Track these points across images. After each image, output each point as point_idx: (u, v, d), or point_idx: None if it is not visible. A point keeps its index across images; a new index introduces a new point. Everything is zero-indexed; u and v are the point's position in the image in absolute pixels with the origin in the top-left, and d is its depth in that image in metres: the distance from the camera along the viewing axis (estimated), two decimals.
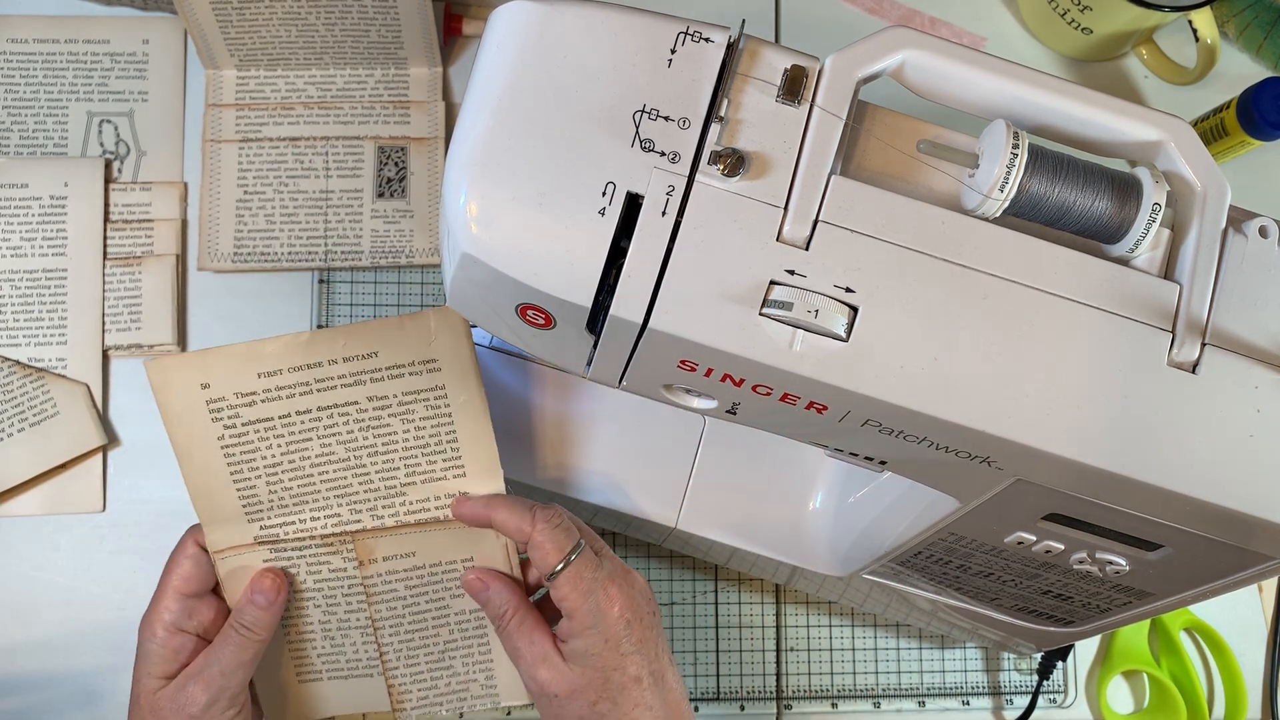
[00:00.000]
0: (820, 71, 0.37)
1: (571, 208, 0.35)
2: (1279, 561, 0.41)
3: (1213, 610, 0.69)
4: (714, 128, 0.36)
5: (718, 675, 0.66)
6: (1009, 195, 0.36)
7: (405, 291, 0.66)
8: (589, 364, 0.40)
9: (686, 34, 0.37)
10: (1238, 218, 0.39)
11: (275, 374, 0.48)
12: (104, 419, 0.63)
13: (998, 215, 0.37)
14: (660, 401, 0.43)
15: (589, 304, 0.36)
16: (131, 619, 0.51)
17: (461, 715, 0.56)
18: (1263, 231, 0.38)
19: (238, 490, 0.50)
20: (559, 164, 0.35)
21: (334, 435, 0.50)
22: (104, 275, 0.64)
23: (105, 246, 0.64)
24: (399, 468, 0.51)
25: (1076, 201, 0.37)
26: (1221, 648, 0.68)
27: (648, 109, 0.36)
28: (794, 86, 0.36)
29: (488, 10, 0.69)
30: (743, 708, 0.66)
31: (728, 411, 0.41)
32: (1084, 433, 0.36)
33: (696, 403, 0.42)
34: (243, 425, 0.49)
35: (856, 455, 0.43)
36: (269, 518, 0.51)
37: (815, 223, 0.36)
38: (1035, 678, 0.67)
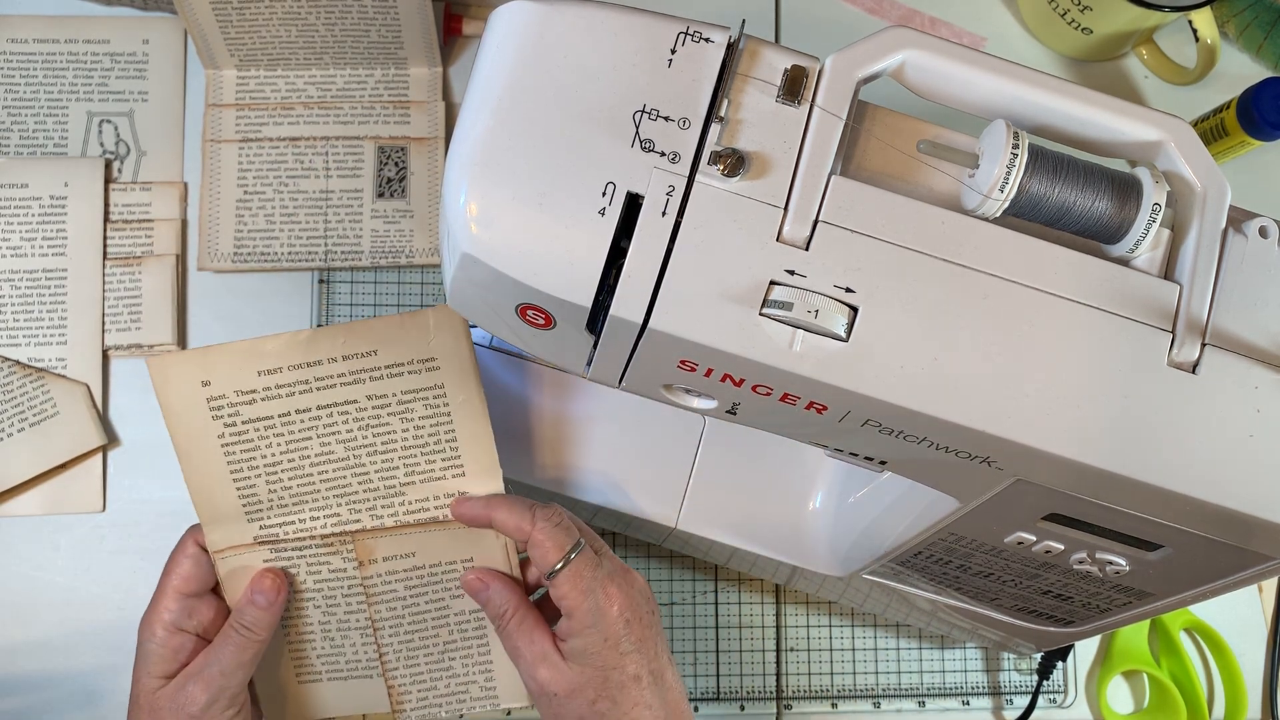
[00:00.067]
0: (820, 71, 0.37)
1: (571, 208, 0.35)
2: (1279, 561, 0.41)
3: (1213, 610, 0.69)
4: (714, 128, 0.36)
5: (718, 675, 0.66)
6: (1009, 195, 0.36)
7: (405, 291, 0.66)
8: (589, 364, 0.40)
9: (686, 34, 0.37)
10: (1238, 218, 0.39)
11: (275, 372, 0.48)
12: (104, 419, 0.63)
13: (998, 215, 0.37)
14: (660, 401, 0.43)
15: (589, 304, 0.36)
16: (131, 619, 0.51)
17: (462, 716, 0.56)
18: (1263, 231, 0.38)
19: (237, 489, 0.50)
20: (559, 164, 0.35)
21: (333, 434, 0.50)
22: (104, 275, 0.64)
23: (105, 246, 0.64)
24: (398, 467, 0.51)
25: (1076, 201, 0.37)
26: (1221, 648, 0.68)
27: (648, 109, 0.36)
28: (794, 86, 0.36)
29: (488, 10, 0.69)
30: (743, 708, 0.66)
31: (728, 411, 0.41)
32: (1084, 433, 0.36)
33: (696, 403, 0.42)
34: (243, 424, 0.49)
35: (856, 455, 0.43)
36: (269, 517, 0.51)
37: (815, 223, 0.36)
38: (1035, 678, 0.67)
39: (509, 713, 0.63)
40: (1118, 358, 0.37)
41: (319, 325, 0.65)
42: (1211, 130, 0.69)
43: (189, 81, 0.67)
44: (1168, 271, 0.38)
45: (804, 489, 0.59)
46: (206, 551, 0.51)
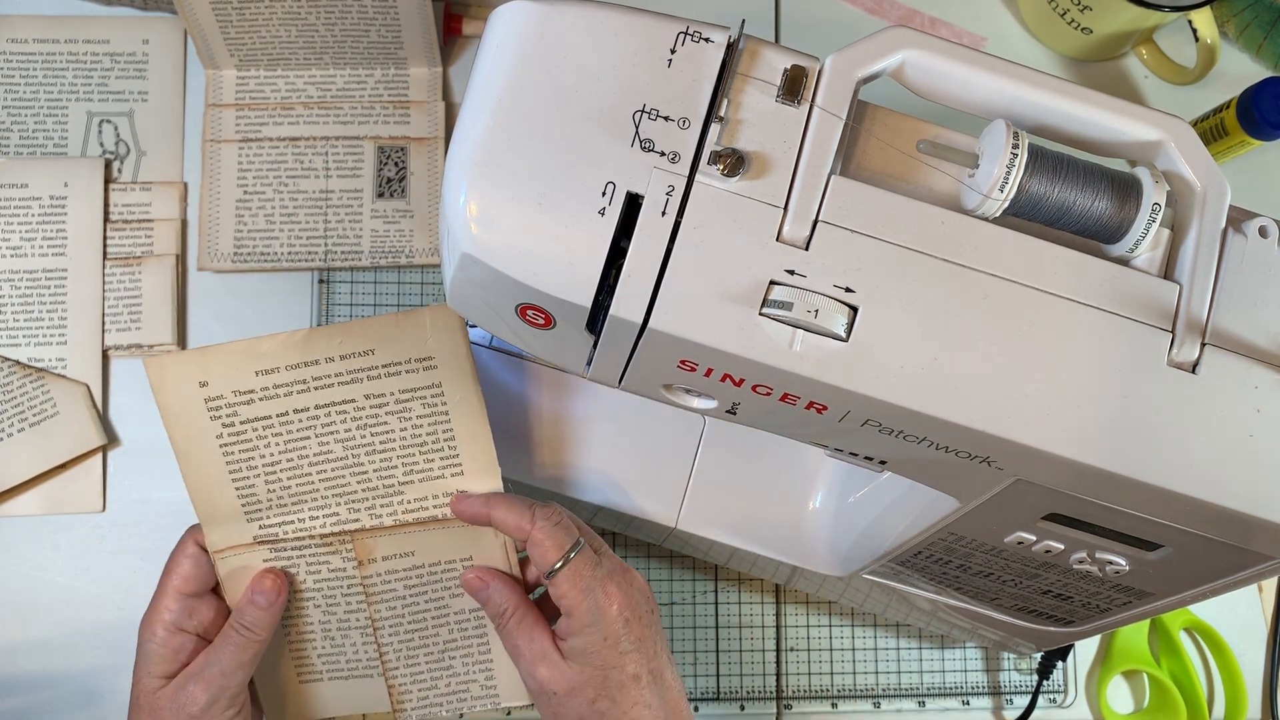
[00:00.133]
0: (820, 71, 0.37)
1: (571, 208, 0.35)
2: (1279, 561, 0.41)
3: (1213, 610, 0.69)
4: (714, 128, 0.36)
5: (718, 675, 0.66)
6: (1009, 195, 0.36)
7: (405, 291, 0.66)
8: (589, 364, 0.40)
9: (686, 34, 0.37)
10: (1238, 218, 0.39)
11: (273, 372, 0.48)
12: (104, 419, 0.63)
13: (998, 215, 0.37)
14: (660, 401, 0.43)
15: (589, 304, 0.36)
16: (131, 619, 0.51)
17: (462, 716, 0.56)
18: (1263, 231, 0.38)
19: (236, 489, 0.50)
20: (559, 164, 0.35)
21: (332, 434, 0.50)
22: (104, 275, 0.64)
23: (105, 246, 0.64)
24: (396, 466, 0.51)
25: (1076, 201, 0.37)
26: (1221, 648, 0.68)
27: (648, 109, 0.36)
28: (794, 86, 0.36)
29: (488, 10, 0.69)
30: (743, 708, 0.66)
31: (728, 411, 0.41)
32: (1084, 433, 0.36)
33: (696, 403, 0.42)
34: (241, 424, 0.49)
35: (856, 455, 0.43)
36: (268, 517, 0.51)
37: (815, 223, 0.36)
38: (1035, 678, 0.67)
39: (509, 712, 0.63)
40: (1118, 358, 0.37)
41: (318, 325, 0.65)
42: (1211, 130, 0.69)
43: (189, 81, 0.67)
44: (1168, 271, 0.38)
45: (804, 489, 0.59)
46: (206, 552, 0.51)
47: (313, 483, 0.51)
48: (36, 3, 0.67)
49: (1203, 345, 0.37)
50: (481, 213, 0.35)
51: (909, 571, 0.54)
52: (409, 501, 0.51)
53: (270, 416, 0.49)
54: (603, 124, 0.36)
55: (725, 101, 0.36)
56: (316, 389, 0.49)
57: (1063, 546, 0.45)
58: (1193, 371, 0.37)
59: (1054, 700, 0.68)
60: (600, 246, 0.35)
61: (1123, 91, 0.74)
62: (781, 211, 0.36)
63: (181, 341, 0.65)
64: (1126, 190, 0.37)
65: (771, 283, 0.35)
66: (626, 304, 0.35)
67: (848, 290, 0.36)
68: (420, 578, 0.53)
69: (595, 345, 0.39)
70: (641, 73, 0.36)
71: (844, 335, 0.36)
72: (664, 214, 0.35)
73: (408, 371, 0.49)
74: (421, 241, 0.66)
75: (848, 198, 0.36)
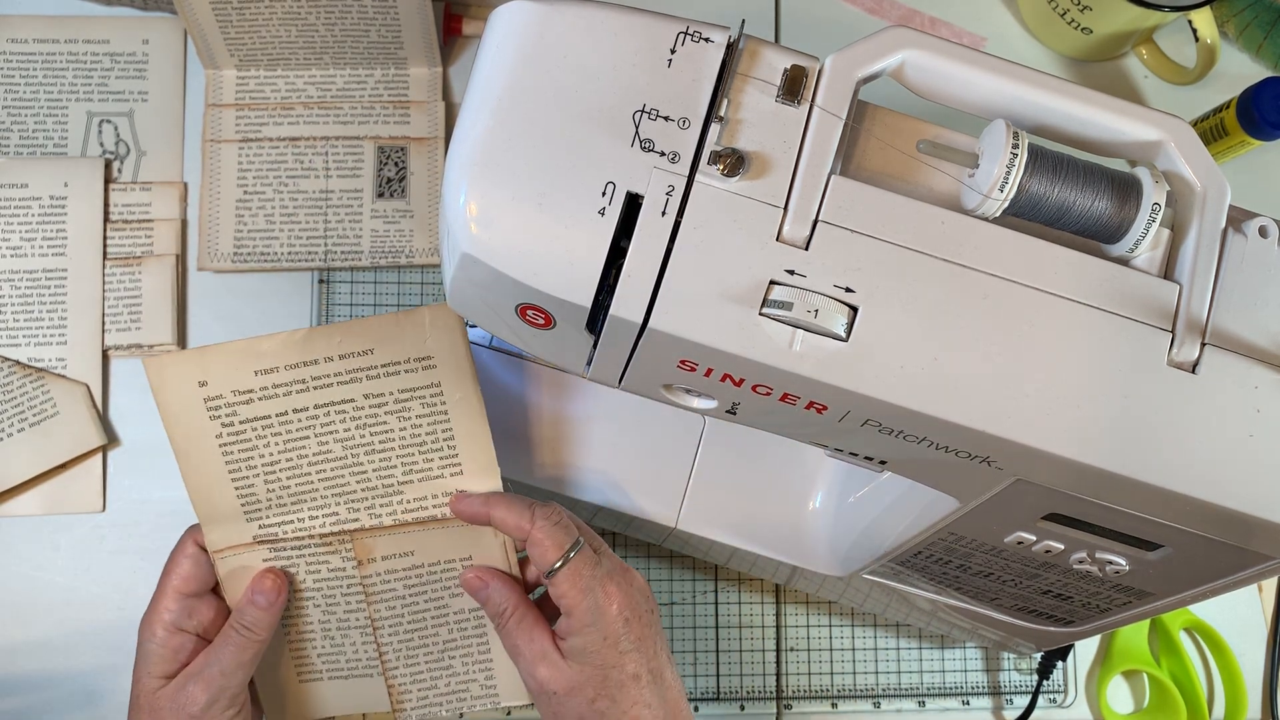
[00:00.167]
0: (820, 71, 0.37)
1: (571, 208, 0.35)
2: (1279, 561, 0.41)
3: (1213, 610, 0.69)
4: (714, 128, 0.36)
5: (718, 675, 0.66)
6: (1009, 195, 0.36)
7: (405, 291, 0.66)
8: (589, 364, 0.40)
9: (686, 34, 0.37)
10: (1238, 218, 0.39)
11: (272, 371, 0.48)
12: (104, 419, 0.63)
13: (998, 215, 0.37)
14: (660, 401, 0.43)
15: (589, 304, 0.36)
16: (131, 619, 0.51)
17: (462, 715, 0.56)
18: (1263, 231, 0.38)
19: (236, 489, 0.50)
20: (559, 164, 0.35)
21: (331, 433, 0.50)
22: (104, 275, 0.64)
23: (105, 246, 0.64)
24: (396, 466, 0.51)
25: (1076, 201, 0.37)
26: (1221, 648, 0.68)
27: (648, 109, 0.36)
28: (794, 86, 0.36)
29: (488, 10, 0.69)
30: (743, 708, 0.66)
31: (728, 411, 0.41)
32: (1084, 433, 0.36)
33: (696, 403, 0.42)
34: (240, 423, 0.49)
35: (856, 455, 0.43)
36: (267, 516, 0.51)
37: (815, 223, 0.36)
38: (1035, 678, 0.67)
39: (509, 712, 0.63)
40: (1118, 358, 0.37)
41: (318, 325, 0.65)
42: (1211, 130, 0.69)
43: (189, 81, 0.67)
44: (1167, 271, 0.38)
45: (804, 489, 0.59)
46: (206, 551, 0.51)
47: (312, 482, 0.51)
48: (36, 3, 0.67)
49: (1203, 345, 0.37)
50: (481, 213, 0.35)
51: (909, 571, 0.54)
52: (408, 501, 0.51)
53: (269, 416, 0.49)
54: (603, 124, 0.36)
55: (725, 101, 0.36)
56: (316, 389, 0.49)
57: (1063, 546, 0.45)
58: (1193, 371, 0.37)
59: (1054, 700, 0.68)
60: (600, 246, 0.35)
61: (1123, 91, 0.74)
62: (781, 211, 0.36)
63: (181, 341, 0.65)
64: (1126, 190, 0.37)
65: (771, 283, 0.35)
66: (626, 304, 0.35)
67: (848, 290, 0.36)
68: (420, 577, 0.53)
69: (595, 345, 0.39)
70: (641, 73, 0.36)
71: (844, 335, 0.36)
72: (664, 214, 0.35)
73: (407, 371, 0.49)
74: (421, 241, 0.66)
75: (848, 198, 0.36)
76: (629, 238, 0.35)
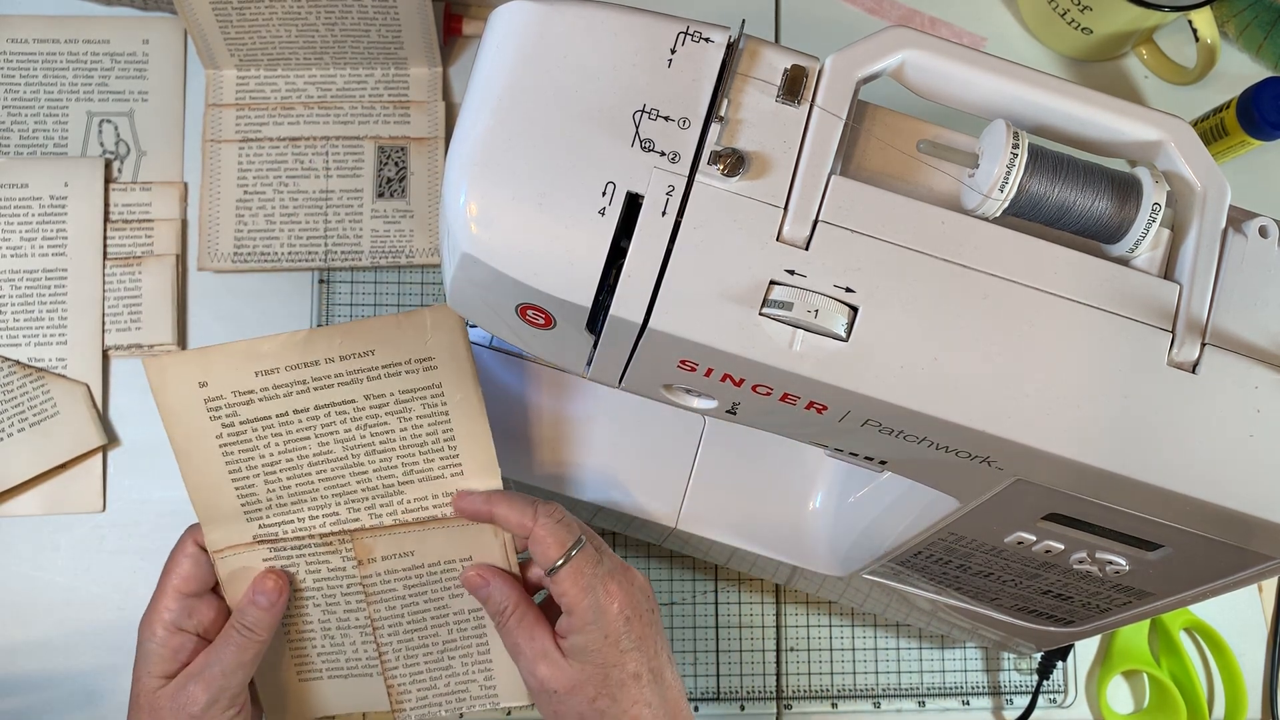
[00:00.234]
0: (820, 71, 0.37)
1: (571, 208, 0.35)
2: (1279, 561, 0.41)
3: (1213, 610, 0.69)
4: (714, 128, 0.36)
5: (718, 675, 0.66)
6: (1009, 195, 0.36)
7: (405, 291, 0.66)
8: (589, 364, 0.40)
9: (686, 34, 0.37)
10: (1238, 218, 0.39)
11: (273, 372, 0.48)
12: (104, 419, 0.63)
13: (998, 215, 0.37)
14: (660, 401, 0.43)
15: (589, 304, 0.36)
16: (131, 619, 0.51)
17: (461, 716, 0.56)
18: (1263, 231, 0.38)
19: (236, 489, 0.50)
20: (559, 164, 0.35)
21: (331, 434, 0.50)
22: (104, 275, 0.64)
23: (105, 246, 0.64)
24: (396, 466, 0.51)
25: (1076, 201, 0.37)
26: (1221, 648, 0.68)
27: (648, 109, 0.36)
28: (794, 86, 0.36)
29: (488, 10, 0.69)
30: (743, 708, 0.66)
31: (728, 411, 0.41)
32: (1084, 433, 0.36)
33: (696, 403, 0.42)
34: (241, 424, 0.49)
35: (856, 455, 0.43)
36: (267, 516, 0.51)
37: (815, 223, 0.36)
38: (1035, 678, 0.67)
39: (509, 712, 0.63)
40: (1118, 358, 0.37)
41: (318, 325, 0.65)
42: (1211, 130, 0.69)
43: (189, 81, 0.67)
44: (1168, 271, 0.38)
45: (804, 489, 0.59)
46: (206, 551, 0.51)
47: (312, 482, 0.51)
48: (36, 3, 0.67)
49: (1203, 345, 0.37)
50: (481, 213, 0.35)
51: (909, 571, 0.54)
52: (409, 501, 0.51)
53: (270, 417, 0.49)
54: (603, 124, 0.36)
55: (725, 101, 0.36)
56: (316, 389, 0.49)
57: (1063, 546, 0.45)
58: (1193, 371, 0.37)
59: (1054, 700, 0.68)
60: (600, 246, 0.35)
61: (1123, 91, 0.74)
62: (781, 211, 0.36)
63: (181, 341, 0.65)
64: (1126, 190, 0.37)
65: (771, 283, 0.35)
66: (626, 304, 0.35)
67: (848, 290, 0.36)
68: (420, 578, 0.53)
69: (595, 345, 0.39)
70: (641, 73, 0.36)
71: (844, 335, 0.36)
72: (664, 214, 0.35)
73: (408, 372, 0.49)
74: (421, 241, 0.66)
75: (848, 198, 0.36)
76: (629, 238, 0.35)
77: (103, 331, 0.64)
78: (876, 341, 0.36)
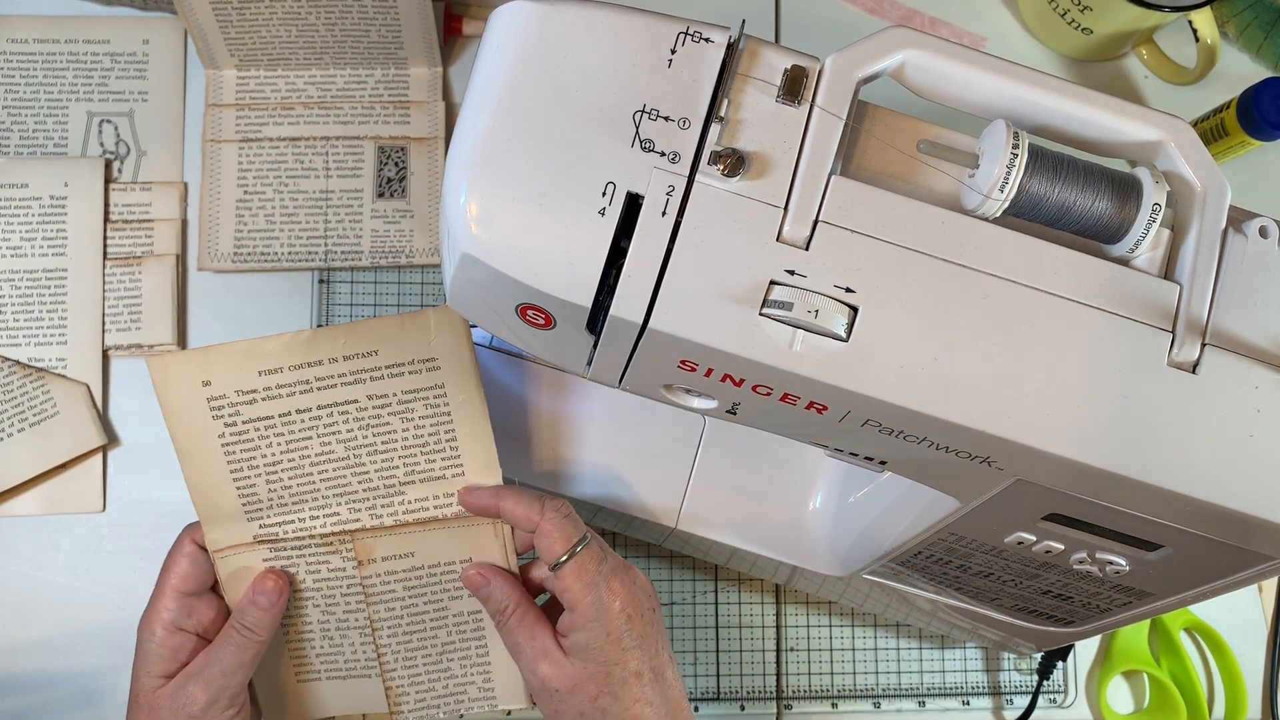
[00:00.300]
0: (820, 71, 0.37)
1: (571, 208, 0.35)
2: (1279, 561, 0.41)
3: (1213, 610, 0.69)
4: (714, 128, 0.36)
5: (718, 675, 0.66)
6: (1009, 195, 0.36)
7: (405, 291, 0.66)
8: (589, 364, 0.40)
9: (686, 34, 0.37)
10: (1238, 218, 0.39)
11: (276, 372, 0.48)
12: (104, 419, 0.63)
13: (998, 215, 0.37)
14: (660, 401, 0.43)
15: (589, 304, 0.36)
16: (131, 619, 0.51)
17: (461, 717, 0.56)
18: (1263, 231, 0.38)
19: (237, 489, 0.50)
20: (559, 164, 0.35)
21: (334, 434, 0.50)
22: (104, 275, 0.64)
23: (105, 246, 0.64)
24: (398, 466, 0.51)
25: (1076, 201, 0.37)
26: (1221, 648, 0.68)
27: (648, 109, 0.36)
28: (794, 86, 0.36)
29: (488, 10, 0.69)
30: (743, 708, 0.66)
31: (728, 411, 0.41)
32: (1084, 433, 0.36)
33: (696, 403, 0.42)
34: (243, 423, 0.49)
35: (856, 455, 0.43)
36: (268, 516, 0.51)
37: (815, 223, 0.36)
38: (1035, 678, 0.67)
39: (509, 713, 0.63)
40: (1118, 358, 0.37)
41: (319, 325, 0.65)
42: (1211, 130, 0.69)
43: (189, 81, 0.67)
44: (1168, 271, 0.38)
45: (804, 489, 0.59)
46: (204, 550, 0.51)
47: (314, 482, 0.51)
48: (36, 3, 0.67)
49: (1203, 345, 0.37)
50: (482, 213, 0.35)
51: (909, 571, 0.54)
52: (410, 502, 0.51)
53: (273, 416, 0.49)
54: (603, 124, 0.36)
55: (725, 101, 0.36)
56: (319, 389, 0.49)
57: (1063, 547, 0.45)
58: (1193, 371, 0.37)
59: (1054, 700, 0.68)
60: (600, 246, 0.35)
61: (1123, 91, 0.74)
62: (781, 211, 0.36)
63: (181, 341, 0.65)
64: (1126, 190, 0.37)
65: (771, 283, 0.35)
66: (626, 304, 0.35)
67: (848, 290, 0.36)
68: (420, 579, 0.53)
69: (595, 345, 0.39)
70: (642, 73, 0.36)
71: (844, 335, 0.36)
72: (664, 214, 0.35)
73: (411, 372, 0.49)
74: (421, 241, 0.66)
75: (848, 198, 0.36)
76: (629, 238, 0.35)
77: (103, 331, 0.64)
78: (876, 341, 0.36)
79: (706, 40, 0.37)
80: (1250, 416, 0.37)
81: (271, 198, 0.66)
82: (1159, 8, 0.65)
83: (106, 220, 0.65)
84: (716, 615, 0.66)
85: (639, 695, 0.48)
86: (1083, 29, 0.70)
